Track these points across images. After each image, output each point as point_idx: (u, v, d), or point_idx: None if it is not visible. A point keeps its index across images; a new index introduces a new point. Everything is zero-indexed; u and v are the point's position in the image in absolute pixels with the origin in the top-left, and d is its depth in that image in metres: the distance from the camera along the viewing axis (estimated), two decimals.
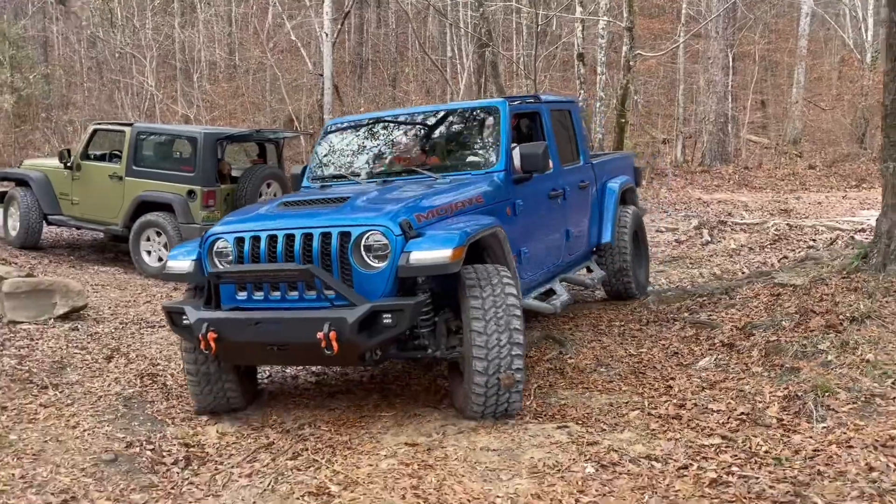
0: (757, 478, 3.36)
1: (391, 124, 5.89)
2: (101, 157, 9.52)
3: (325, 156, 5.78)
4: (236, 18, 22.32)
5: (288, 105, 19.05)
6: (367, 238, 4.12)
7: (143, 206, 8.94)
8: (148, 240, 8.94)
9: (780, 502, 3.16)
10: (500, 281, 4.26)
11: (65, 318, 6.45)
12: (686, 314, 6.06)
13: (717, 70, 16.91)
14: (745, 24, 20.75)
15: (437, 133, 5.70)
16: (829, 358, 4.55)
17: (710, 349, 5.23)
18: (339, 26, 19.70)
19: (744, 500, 3.19)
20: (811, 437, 3.71)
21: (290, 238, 4.17)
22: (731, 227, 10.60)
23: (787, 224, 10.53)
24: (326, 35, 18.69)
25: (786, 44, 22.18)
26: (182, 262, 4.49)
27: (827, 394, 4.08)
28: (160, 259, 8.80)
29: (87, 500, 3.48)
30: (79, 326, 6.31)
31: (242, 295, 4.28)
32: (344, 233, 4.12)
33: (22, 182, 9.81)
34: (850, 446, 3.54)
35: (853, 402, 3.98)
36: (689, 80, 20.13)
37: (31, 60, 20.05)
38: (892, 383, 4.13)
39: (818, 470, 3.38)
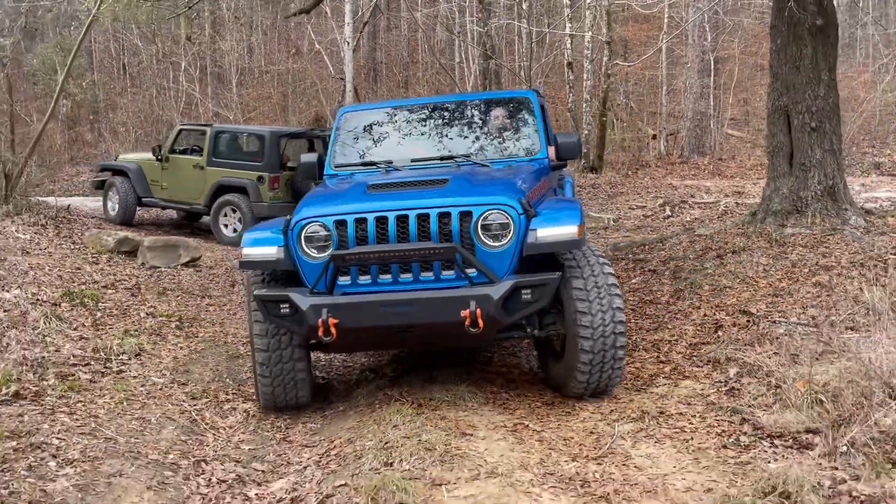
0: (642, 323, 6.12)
1: (414, 112, 5.82)
2: (185, 151, 12.30)
3: (347, 144, 5.64)
4: (264, 28, 25.14)
5: (313, 107, 21.83)
6: (487, 217, 4.18)
7: (221, 189, 11.69)
8: (225, 216, 11.70)
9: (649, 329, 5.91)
10: (598, 261, 4.44)
11: (187, 264, 9.20)
12: (630, 255, 8.80)
13: (693, 73, 19.61)
14: (725, 29, 23.40)
15: (467, 122, 5.71)
16: (709, 271, 7.30)
17: (640, 273, 7.97)
18: (358, 34, 22.47)
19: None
20: (683, 306, 6.47)
21: (402, 219, 4.16)
22: (690, 206, 13.32)
23: (735, 202, 13.24)
24: (348, 43, 21.51)
25: (763, 47, 24.85)
26: (266, 249, 4.33)
27: (698, 287, 6.83)
28: (235, 230, 11.55)
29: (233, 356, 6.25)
30: (199, 270, 9.07)
31: (365, 278, 4.23)
32: (465, 212, 4.17)
33: (119, 172, 12.56)
34: (699, 308, 6.30)
35: (712, 290, 6.73)
36: (672, 81, 22.81)
37: (82, 68, 22.84)
38: (739, 281, 6.86)
39: (677, 315, 6.14)
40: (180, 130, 12.50)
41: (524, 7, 18.08)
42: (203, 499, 3.59)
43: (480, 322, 3.94)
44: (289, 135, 12.11)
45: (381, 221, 4.17)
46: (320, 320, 4.00)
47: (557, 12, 16.71)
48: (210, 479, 3.78)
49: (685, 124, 19.84)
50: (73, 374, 4.76)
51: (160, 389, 4.84)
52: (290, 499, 3.57)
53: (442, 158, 5.32)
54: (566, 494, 3.35)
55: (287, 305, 4.15)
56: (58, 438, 3.84)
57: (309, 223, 4.26)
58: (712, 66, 22.69)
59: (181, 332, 6.21)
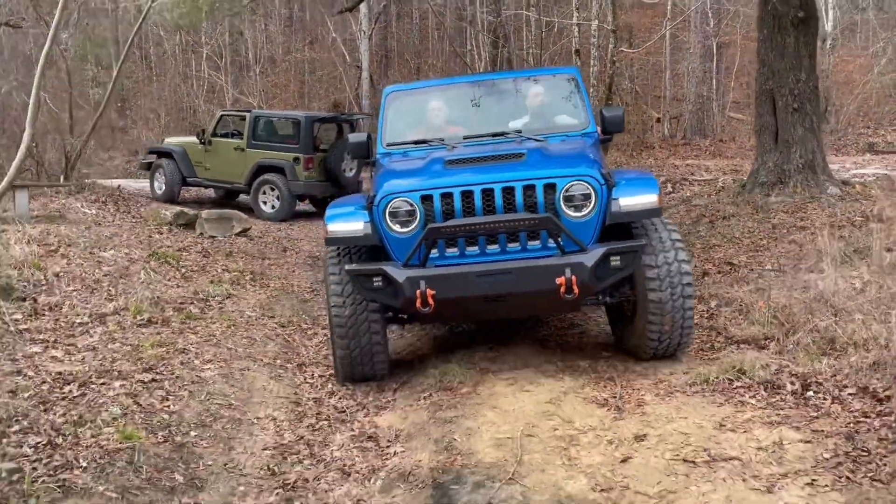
0: None
1: (461, 90, 5.90)
2: (226, 135, 13.53)
3: (397, 122, 5.71)
4: (282, 18, 26.33)
5: (331, 94, 23.05)
6: (571, 188, 4.35)
7: (261, 170, 12.92)
8: (264, 193, 12.94)
9: None
10: (667, 230, 4.67)
11: (239, 234, 10.45)
12: None
13: (695, 58, 20.73)
14: (727, 15, 24.46)
15: (513, 98, 5.80)
16: (701, 233, 8.52)
17: None
18: (373, 25, 23.65)
19: None
20: None
21: (487, 193, 4.34)
22: (690, 182, 14.51)
23: (732, 179, 14.44)
24: (363, 32, 22.69)
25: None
26: (353, 225, 4.54)
27: (691, 245, 8.06)
28: (273, 207, 12.79)
29: (314, 298, 7.51)
30: (251, 239, 10.33)
31: (452, 251, 4.40)
32: (549, 184, 4.34)
33: (166, 154, 13.81)
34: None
35: (703, 248, 7.95)
36: (675, 66, 23.94)
37: (110, 57, 24.07)
38: (726, 240, 8.06)
39: None
40: (222, 116, 13.74)
41: None
42: (311, 386, 4.86)
43: (575, 289, 4.14)
44: (321, 119, 13.34)
45: (467, 195, 4.35)
46: (418, 292, 4.18)
47: (566, 1, 17.85)
48: (312, 375, 5.05)
49: (687, 107, 20.99)
50: (185, 309, 6.01)
51: (256, 320, 6.10)
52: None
53: (494, 135, 5.39)
54: (584, 377, 4.61)
55: (379, 279, 4.32)
56: (193, 347, 5.11)
57: (394, 198, 4.43)
58: (714, 52, 23.80)
59: (255, 283, 7.46)
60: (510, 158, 4.63)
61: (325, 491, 3.45)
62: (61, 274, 6.35)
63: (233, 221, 10.56)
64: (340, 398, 4.69)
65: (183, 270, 7.49)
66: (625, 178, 4.58)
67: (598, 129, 5.50)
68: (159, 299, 6.11)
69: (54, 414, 3.72)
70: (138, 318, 5.55)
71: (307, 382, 4.91)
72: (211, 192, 14.76)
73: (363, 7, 21.63)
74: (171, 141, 14.43)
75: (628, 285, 4.68)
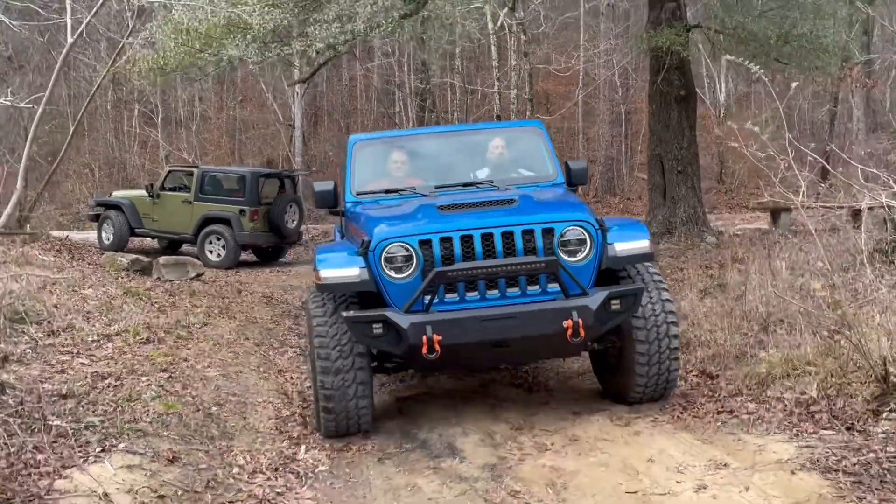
0: None
1: (428, 141, 6.23)
2: (174, 188, 14.79)
3: (364, 171, 5.83)
4: (214, 77, 27.76)
5: (264, 150, 24.49)
6: (567, 233, 4.50)
7: (207, 221, 14.21)
8: (210, 243, 14.22)
9: None
10: (649, 273, 4.90)
11: (194, 279, 11.71)
12: None
13: (604, 124, 23.21)
14: (634, 84, 27.27)
15: (481, 149, 5.96)
16: None
17: None
18: (306, 86, 25.33)
19: None
20: None
21: (486, 237, 4.44)
22: None
23: None
24: (298, 93, 24.32)
25: None
26: (348, 271, 4.54)
27: None
28: (219, 255, 14.07)
29: (277, 327, 8.90)
30: (205, 283, 11.60)
31: (452, 296, 4.46)
32: (547, 229, 4.47)
33: (112, 206, 14.93)
34: None
35: None
36: (587, 130, 26.48)
37: (48, 114, 24.88)
38: None
39: None
40: (170, 171, 15.06)
41: (457, 65, 21.33)
42: (292, 385, 6.28)
43: (582, 332, 4.22)
44: (265, 175, 14.83)
45: (466, 240, 4.45)
46: (424, 338, 4.19)
47: (488, 72, 19.99)
48: (291, 378, 6.47)
49: (598, 169, 23.35)
50: (174, 332, 7.32)
51: (234, 341, 7.46)
52: None
53: (465, 185, 5.57)
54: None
55: (380, 326, 4.29)
56: (192, 357, 6.45)
57: (390, 244, 4.48)
58: (623, 118, 26.48)
59: (223, 315, 8.79)
60: (503, 204, 4.78)
61: (321, 440, 4.90)
62: (58, 305, 7.57)
63: (188, 267, 11.82)
64: None
65: (157, 305, 8.76)
66: (616, 223, 4.78)
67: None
68: (150, 325, 7.40)
69: (107, 394, 5.04)
70: (138, 337, 6.83)
71: (289, 382, 6.34)
72: (154, 243, 15.89)
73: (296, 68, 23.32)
74: (119, 194, 15.59)
75: (613, 331, 4.82)
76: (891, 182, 5.61)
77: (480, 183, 5.60)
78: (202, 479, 4.06)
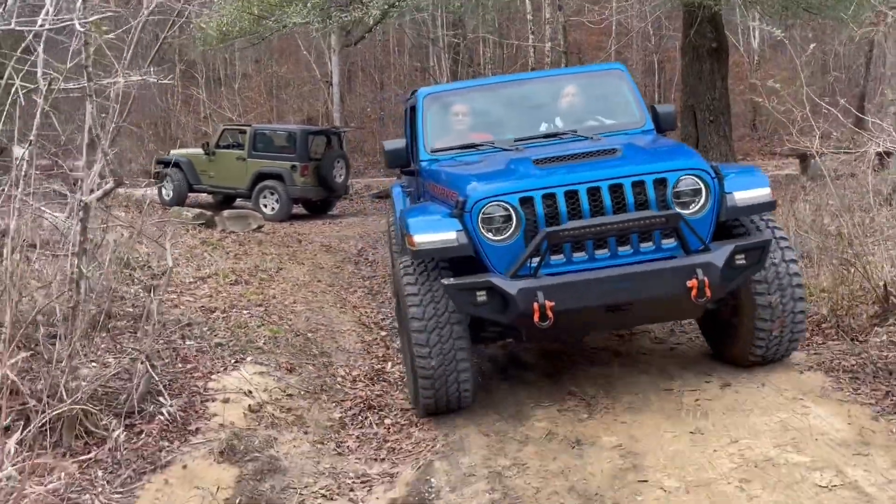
0: None
1: (502, 91, 5.82)
2: (228, 146, 15.75)
3: (437, 127, 5.59)
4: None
5: (303, 108, 25.34)
6: (681, 183, 4.14)
7: (260, 177, 15.17)
8: (265, 197, 15.20)
9: None
10: (769, 226, 4.48)
11: (255, 230, 12.71)
12: None
13: (637, 74, 23.62)
14: (667, 32, 27.52)
15: (560, 97, 5.63)
16: None
17: None
18: (342, 44, 26.00)
19: None
20: None
21: (593, 192, 4.09)
22: None
23: None
24: (335, 50, 25.01)
25: None
26: (444, 234, 4.22)
27: None
28: (273, 209, 15.05)
29: (341, 271, 9.88)
30: (267, 234, 12.60)
31: (558, 258, 4.15)
32: (659, 179, 4.11)
33: (174, 164, 15.95)
34: None
35: None
36: None
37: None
38: None
39: None
40: (224, 130, 15.99)
41: (490, 18, 21.83)
42: (367, 317, 7.25)
43: (708, 291, 3.90)
44: (314, 132, 15.72)
45: (571, 196, 4.11)
46: (536, 304, 3.89)
47: (522, 25, 20.49)
48: (365, 312, 7.44)
49: None
50: (256, 275, 8.31)
51: (308, 282, 8.43)
52: None
53: (547, 136, 5.26)
54: None
55: (484, 293, 4.00)
56: (279, 295, 7.43)
57: (488, 202, 4.16)
58: (656, 66, 26.82)
59: (293, 261, 9.77)
60: (605, 154, 4.44)
61: (400, 360, 5.86)
62: (150, 254, 8.58)
63: (249, 219, 12.82)
64: (392, 321, 7.08)
65: (232, 253, 9.76)
66: (731, 170, 4.42)
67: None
68: (234, 270, 8.40)
69: (220, 323, 6.02)
70: (227, 279, 7.83)
71: (364, 315, 7.30)
72: (209, 198, 16.93)
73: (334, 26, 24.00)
74: (177, 152, 16.59)
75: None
76: None
77: (564, 133, 5.26)
78: (316, 384, 5.04)
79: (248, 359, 5.11)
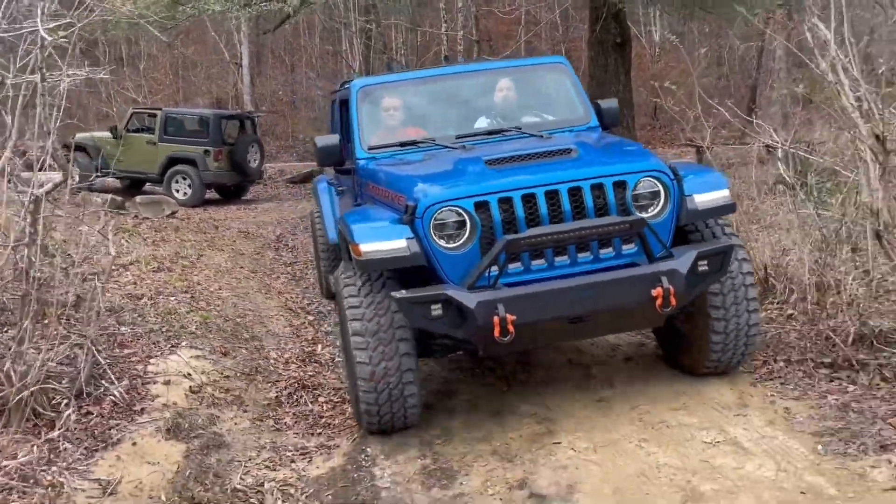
0: None
1: (440, 83, 5.48)
2: (138, 130, 15.51)
3: (374, 122, 5.25)
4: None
5: (212, 91, 24.97)
6: (639, 186, 4.00)
7: (172, 161, 15.04)
8: (177, 182, 15.08)
9: None
10: (723, 231, 4.33)
11: (169, 216, 12.66)
12: None
13: None
14: (574, 23, 28.40)
15: (501, 91, 5.32)
16: None
17: None
18: (261, 29, 25.70)
19: None
20: None
21: (551, 195, 3.90)
22: None
23: None
24: (245, 32, 24.72)
25: None
26: (394, 243, 3.91)
27: None
28: (185, 194, 14.96)
29: (262, 258, 10.05)
30: (182, 220, 12.57)
31: (515, 266, 3.92)
32: (618, 182, 3.96)
33: (79, 148, 15.57)
34: None
35: None
36: None
37: None
38: None
39: None
40: (133, 113, 15.73)
41: (403, 6, 22.09)
42: (293, 302, 7.51)
43: (673, 300, 3.77)
44: (228, 116, 15.68)
45: (528, 199, 3.90)
46: (496, 318, 3.67)
47: (435, 13, 20.83)
48: (290, 298, 7.70)
49: None
50: (177, 262, 8.42)
51: (231, 269, 8.60)
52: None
53: (490, 133, 5.01)
54: None
55: (439, 306, 3.74)
56: (203, 282, 7.59)
57: (441, 207, 3.89)
58: (564, 55, 27.65)
59: (212, 248, 9.88)
60: (560, 155, 4.20)
61: (329, 343, 6.17)
62: (66, 240, 8.57)
63: (163, 205, 12.77)
64: (318, 305, 7.38)
65: (149, 239, 9.78)
66: (689, 171, 4.25)
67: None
68: (155, 256, 8.48)
69: (149, 309, 6.18)
70: (149, 266, 7.92)
71: (290, 300, 7.56)
72: (116, 183, 16.62)
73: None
74: (83, 136, 16.20)
75: None
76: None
77: (507, 130, 5.02)
78: (251, 366, 5.32)
79: (184, 343, 5.33)
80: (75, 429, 3.85)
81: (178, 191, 15.07)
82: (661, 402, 4.40)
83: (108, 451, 3.80)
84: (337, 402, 4.96)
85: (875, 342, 4.41)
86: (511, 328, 3.71)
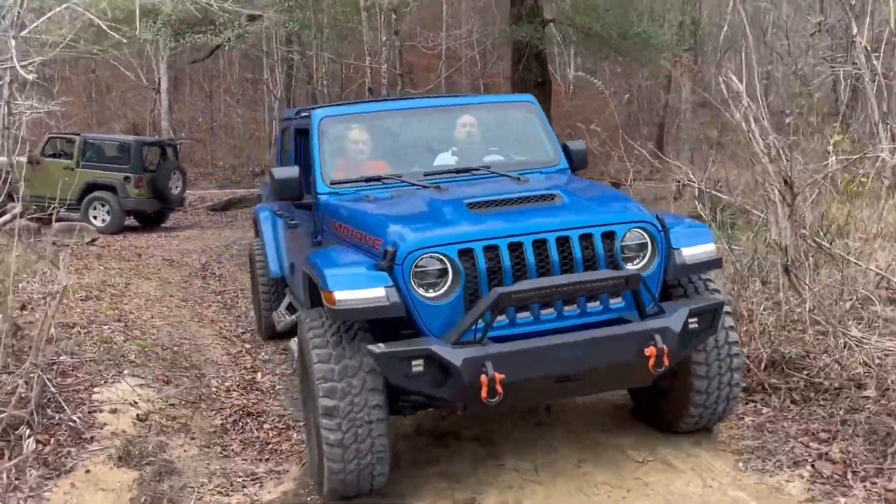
0: None
1: (407, 117, 5.24)
2: (54, 155, 15.12)
3: (336, 155, 4.94)
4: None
5: (129, 116, 24.48)
6: (626, 237, 3.84)
7: (91, 187, 14.72)
8: (94, 209, 14.76)
9: None
10: (705, 285, 4.19)
11: (89, 243, 12.39)
12: None
13: (468, 93, 25.00)
14: (492, 58, 29.23)
15: (466, 127, 5.09)
16: None
17: None
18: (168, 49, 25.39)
19: None
20: None
21: (538, 244, 3.70)
22: None
23: None
24: (163, 57, 24.39)
25: None
26: (372, 291, 3.58)
27: None
28: (103, 221, 14.66)
29: (191, 286, 10.00)
30: (102, 247, 12.33)
31: (500, 319, 3.64)
32: (607, 232, 3.80)
33: None
34: None
35: None
36: None
37: None
38: None
39: None
40: (49, 138, 15.33)
41: (326, 35, 22.31)
42: (227, 331, 7.53)
43: (666, 360, 3.61)
44: (149, 143, 15.49)
45: (515, 248, 3.68)
46: (483, 377, 3.41)
47: (360, 47, 21.12)
48: (223, 326, 7.72)
49: None
50: (105, 290, 8.31)
51: (160, 297, 8.53)
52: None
53: (458, 171, 4.77)
54: None
55: (420, 362, 3.47)
56: (135, 311, 7.54)
57: (424, 254, 3.63)
58: (482, 90, 28.38)
59: (138, 276, 9.76)
60: (542, 201, 3.98)
61: (268, 371, 6.26)
62: None
63: (82, 232, 12.47)
64: (253, 334, 7.42)
65: (72, 268, 9.59)
66: (672, 222, 4.06)
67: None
68: (81, 285, 8.34)
69: (84, 338, 6.12)
70: (77, 295, 7.80)
71: (224, 329, 7.59)
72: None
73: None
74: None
75: None
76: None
77: (476, 169, 4.78)
78: (195, 394, 5.36)
79: (126, 371, 5.33)
80: (27, 458, 3.85)
81: (95, 217, 14.75)
82: (596, 424, 4.71)
83: (61, 478, 3.83)
84: (282, 429, 5.06)
85: (785, 368, 4.84)
86: (500, 388, 3.44)
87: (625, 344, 3.65)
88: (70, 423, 4.27)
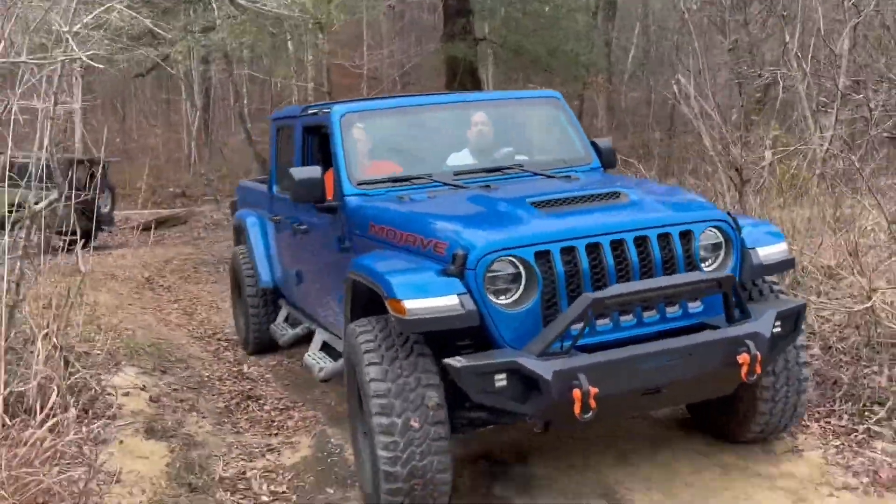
0: None
1: (432, 113, 4.99)
2: None
3: (360, 154, 4.68)
4: None
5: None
6: (702, 237, 3.67)
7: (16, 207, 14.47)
8: (21, 228, 14.51)
9: None
10: (771, 288, 4.01)
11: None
12: None
13: None
14: (416, 82, 29.92)
15: (497, 124, 4.89)
16: None
17: None
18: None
19: None
20: None
21: (616, 244, 3.49)
22: None
23: None
24: (77, 78, 23.96)
25: None
26: (445, 299, 3.33)
27: None
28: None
29: (143, 296, 10.12)
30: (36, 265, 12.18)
31: (576, 326, 3.30)
32: (685, 231, 3.60)
33: None
34: None
35: None
36: None
37: None
38: None
39: None
40: None
41: (252, 54, 22.52)
42: (199, 332, 7.77)
43: (758, 367, 3.41)
44: (77, 161, 15.38)
45: (593, 249, 3.48)
46: (577, 391, 3.15)
47: (285, 63, 21.37)
48: (191, 329, 7.95)
49: None
50: (62, 300, 8.37)
51: (119, 305, 8.65)
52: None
53: (489, 170, 4.54)
54: None
55: (503, 377, 3.24)
56: (103, 317, 7.67)
57: (498, 256, 3.40)
58: None
59: (90, 288, 9.80)
60: (609, 199, 3.77)
61: (251, 364, 6.57)
62: None
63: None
64: (224, 334, 7.69)
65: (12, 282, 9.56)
66: (743, 222, 3.88)
67: None
68: (38, 295, 8.38)
69: (70, 339, 6.28)
70: (36, 303, 7.87)
71: (195, 331, 7.83)
72: None
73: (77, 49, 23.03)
74: None
75: None
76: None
77: (509, 168, 4.58)
78: (193, 381, 5.66)
79: (123, 363, 5.58)
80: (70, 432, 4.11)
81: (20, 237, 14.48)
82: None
83: (101, 448, 4.10)
84: (283, 409, 5.42)
85: None
86: (593, 403, 3.16)
87: (719, 351, 3.45)
88: (100, 400, 4.53)
